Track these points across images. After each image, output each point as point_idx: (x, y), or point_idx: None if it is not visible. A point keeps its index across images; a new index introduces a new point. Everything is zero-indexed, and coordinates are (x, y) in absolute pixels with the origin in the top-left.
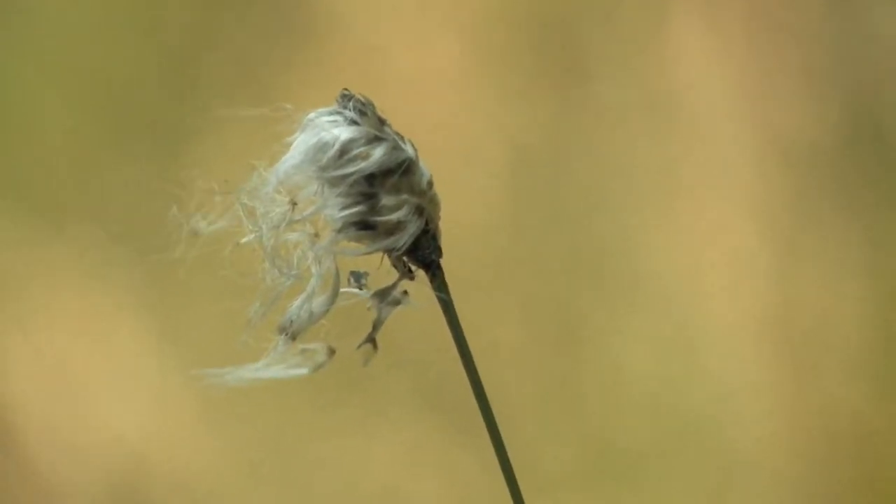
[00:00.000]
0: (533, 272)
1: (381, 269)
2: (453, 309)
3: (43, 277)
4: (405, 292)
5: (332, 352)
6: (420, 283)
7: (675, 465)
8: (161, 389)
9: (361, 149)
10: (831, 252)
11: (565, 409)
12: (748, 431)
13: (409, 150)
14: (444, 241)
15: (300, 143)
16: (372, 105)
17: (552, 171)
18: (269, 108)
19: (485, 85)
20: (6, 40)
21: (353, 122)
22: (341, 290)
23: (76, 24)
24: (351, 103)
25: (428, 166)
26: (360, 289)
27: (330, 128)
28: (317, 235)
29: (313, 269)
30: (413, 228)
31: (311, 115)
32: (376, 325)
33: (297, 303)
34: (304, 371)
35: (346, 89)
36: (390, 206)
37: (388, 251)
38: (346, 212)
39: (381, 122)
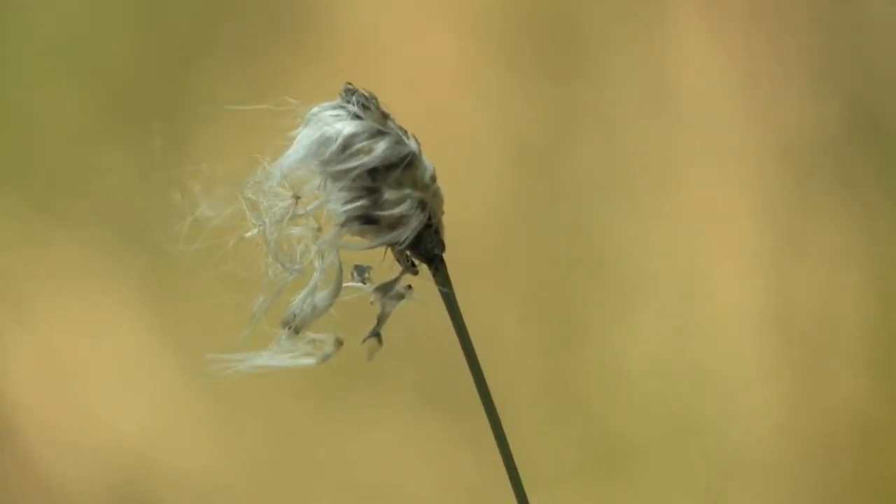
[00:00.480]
0: (534, 267)
1: (384, 264)
2: (456, 303)
3: (43, 274)
4: (409, 287)
5: (340, 343)
6: (422, 278)
7: (675, 461)
8: (162, 387)
9: (364, 143)
10: (832, 247)
11: (566, 405)
12: (749, 427)
13: (412, 145)
14: (446, 236)
15: (303, 138)
16: (375, 99)
17: (554, 165)
18: (273, 103)
19: (486, 79)
20: (7, 34)
21: (357, 117)
22: (344, 284)
23: (78, 17)
24: (354, 98)
25: (426, 156)
26: (364, 283)
27: (333, 122)
28: (320, 230)
29: (316, 264)
30: (416, 223)
31: (315, 109)
32: (380, 320)
33: (300, 297)
34: (311, 361)
35: (349, 84)
36: (393, 200)
37: (391, 245)
38: (349, 206)
39: (385, 116)
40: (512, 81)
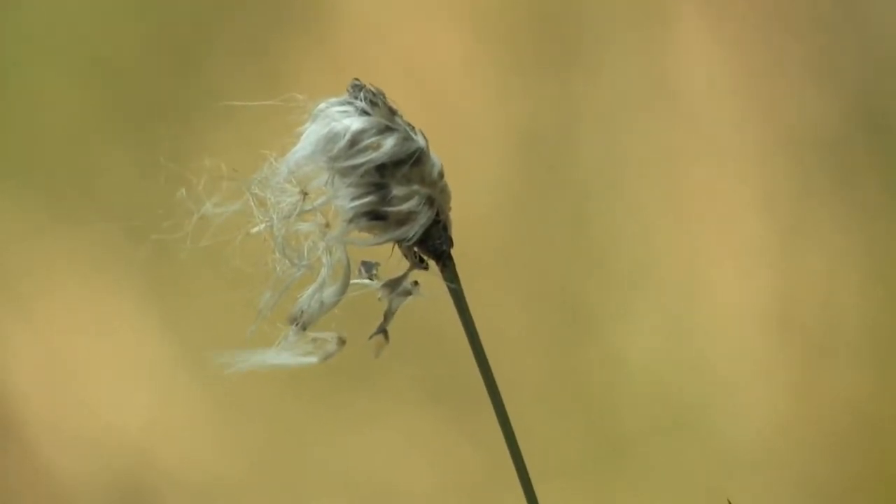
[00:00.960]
0: (537, 262)
1: (391, 260)
2: (464, 299)
3: (46, 271)
4: (416, 283)
5: (342, 341)
6: (426, 274)
7: (677, 456)
8: (164, 382)
9: (372, 139)
10: (834, 244)
11: (569, 400)
12: (752, 421)
13: (420, 141)
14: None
15: (311, 134)
16: (383, 95)
17: (556, 161)
18: (280, 99)
19: (489, 75)
20: (10, 28)
21: (364, 113)
22: (352, 280)
23: (81, 15)
24: (362, 93)
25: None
26: (371, 279)
27: (341, 118)
28: (327, 225)
29: (324, 260)
30: (424, 219)
31: (322, 105)
32: (387, 316)
33: (307, 293)
34: (313, 359)
35: (357, 79)
36: (401, 196)
37: (399, 241)
38: (357, 202)
39: (392, 112)
40: (515, 77)
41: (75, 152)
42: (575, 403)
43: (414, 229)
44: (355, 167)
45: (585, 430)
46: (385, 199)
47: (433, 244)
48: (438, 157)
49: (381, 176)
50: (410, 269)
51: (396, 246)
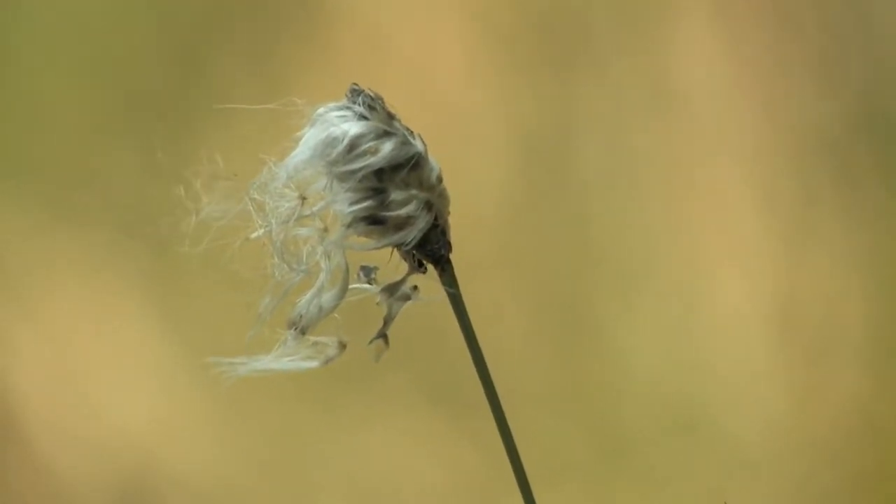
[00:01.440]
0: (539, 264)
1: (390, 264)
2: (462, 304)
3: (49, 271)
4: (415, 287)
5: (343, 345)
6: (425, 278)
7: (680, 458)
8: (166, 383)
9: (370, 144)
10: (837, 245)
11: (572, 400)
12: (754, 422)
13: (418, 145)
14: (451, 234)
15: (309, 138)
16: (381, 100)
17: (559, 163)
18: (280, 103)
19: (492, 77)
20: (14, 28)
21: (363, 118)
22: (351, 285)
23: (84, 15)
24: (360, 98)
25: (432, 157)
26: (370, 283)
27: (339, 123)
28: (326, 230)
29: (323, 264)
30: (422, 223)
31: (321, 109)
32: (387, 321)
33: (306, 297)
34: (314, 364)
35: (355, 84)
36: (399, 200)
37: (398, 246)
38: (356, 207)
39: (391, 116)
40: (518, 79)
41: (78, 153)
42: (576, 405)
43: (412, 234)
44: (354, 172)
45: (587, 432)
46: (383, 204)
47: (432, 248)
48: (438, 159)
49: (380, 180)
50: (409, 273)
51: (395, 250)
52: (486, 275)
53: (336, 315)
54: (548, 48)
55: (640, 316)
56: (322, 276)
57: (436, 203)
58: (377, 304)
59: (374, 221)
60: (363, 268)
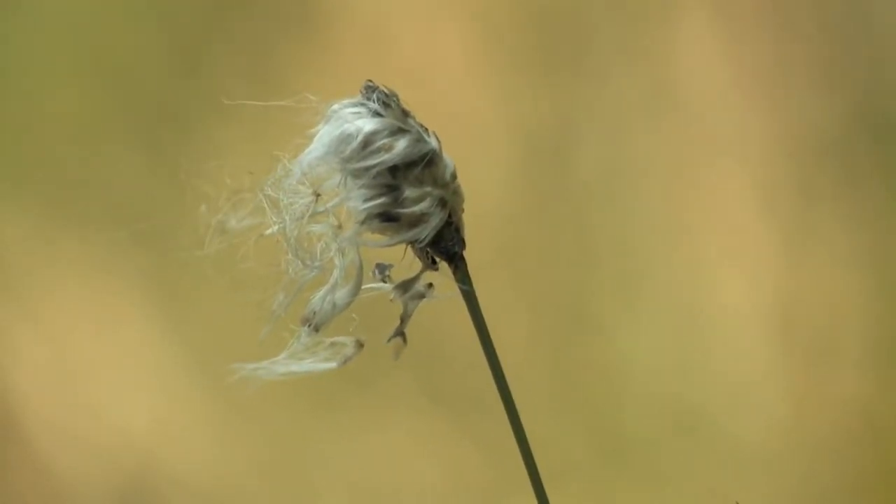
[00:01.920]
0: (541, 263)
1: (404, 261)
2: (476, 301)
3: (50, 272)
4: (430, 285)
5: (360, 345)
6: (435, 275)
7: (681, 458)
8: (168, 385)
9: (385, 140)
10: (838, 246)
11: (573, 401)
12: (756, 422)
13: (433, 142)
14: None
15: (323, 135)
16: (396, 97)
17: (561, 162)
18: (293, 100)
19: (493, 76)
20: (15, 31)
21: (377, 114)
22: (364, 282)
23: (86, 15)
24: (375, 95)
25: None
26: (384, 281)
27: (353, 119)
28: (340, 227)
29: (336, 261)
30: (436, 220)
31: (335, 106)
32: (404, 319)
33: (320, 294)
34: (332, 365)
35: (370, 81)
36: (413, 197)
37: (412, 243)
38: (370, 203)
39: (405, 113)
40: (518, 79)
41: (78, 154)
42: (577, 406)
43: (426, 231)
44: (368, 168)
45: (588, 432)
46: (397, 201)
47: (445, 246)
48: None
49: (394, 177)
50: (423, 270)
51: (409, 247)
52: (486, 275)
53: (353, 315)
54: (548, 48)
55: (641, 316)
56: (336, 272)
57: (450, 200)
58: (391, 301)
59: (388, 218)
60: (378, 265)
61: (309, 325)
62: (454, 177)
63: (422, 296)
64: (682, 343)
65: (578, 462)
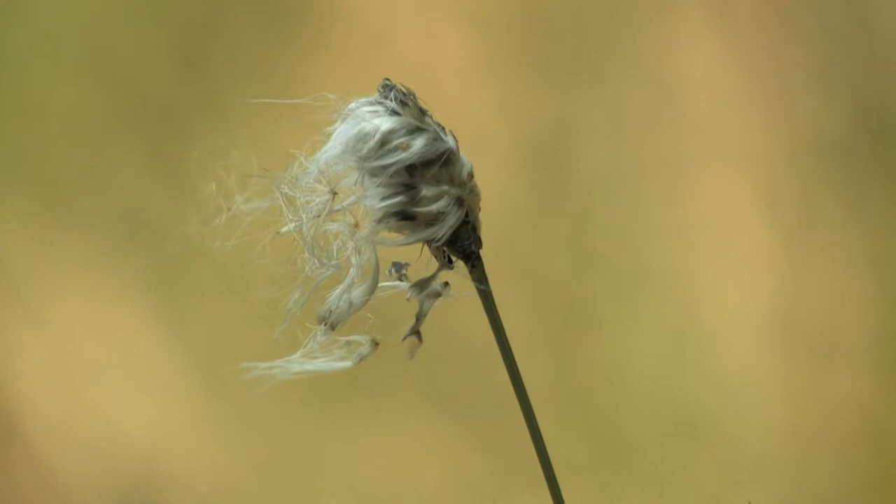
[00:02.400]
0: (542, 266)
1: (420, 260)
2: (493, 300)
3: (51, 273)
4: (446, 284)
5: (375, 343)
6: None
7: (682, 459)
8: (169, 386)
9: (402, 139)
10: (839, 248)
11: (573, 404)
12: (756, 425)
13: (450, 141)
14: None
15: (341, 133)
16: (413, 95)
17: (560, 161)
18: (311, 98)
19: (493, 76)
20: (16, 32)
21: (394, 113)
22: (381, 281)
23: (87, 16)
24: (392, 93)
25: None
26: (401, 279)
27: (371, 118)
28: (357, 225)
29: (353, 259)
30: (453, 219)
31: (352, 104)
32: (419, 318)
33: (336, 293)
34: (347, 364)
35: (387, 79)
36: (430, 196)
37: (428, 242)
38: (387, 202)
39: (423, 112)
40: (518, 80)
41: (79, 156)
42: (577, 409)
43: (443, 230)
44: (385, 167)
45: (589, 435)
46: (414, 200)
47: (462, 245)
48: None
49: (411, 176)
50: (439, 269)
51: (426, 246)
52: (490, 275)
53: (368, 314)
54: (548, 49)
55: (641, 319)
56: (352, 271)
57: (467, 199)
58: (407, 299)
59: (404, 217)
60: (395, 264)
61: (325, 324)
62: (471, 176)
63: (438, 294)
64: (682, 344)
65: (579, 464)
